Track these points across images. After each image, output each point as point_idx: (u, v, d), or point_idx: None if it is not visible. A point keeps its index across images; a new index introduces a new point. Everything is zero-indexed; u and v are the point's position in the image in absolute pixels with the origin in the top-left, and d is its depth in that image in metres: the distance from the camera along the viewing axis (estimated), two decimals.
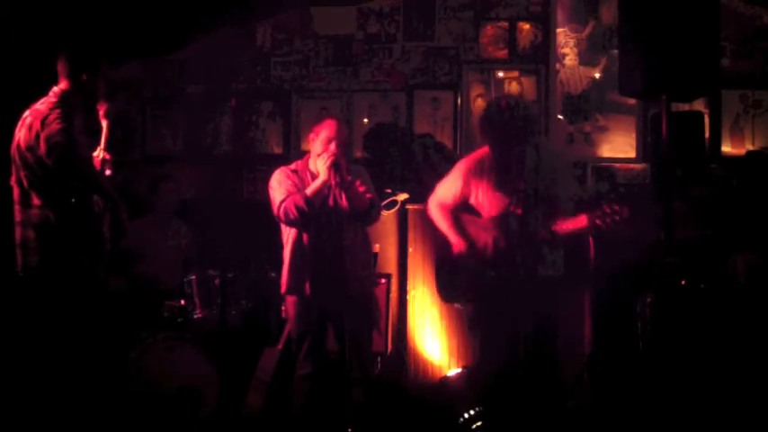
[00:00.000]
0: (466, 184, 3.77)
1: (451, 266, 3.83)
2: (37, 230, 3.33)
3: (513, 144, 3.55)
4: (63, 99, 3.37)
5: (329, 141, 3.76)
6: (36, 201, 3.33)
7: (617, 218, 3.23)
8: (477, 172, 3.74)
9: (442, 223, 3.86)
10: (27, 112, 3.39)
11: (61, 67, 3.43)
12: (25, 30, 4.28)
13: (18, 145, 3.35)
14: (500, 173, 3.64)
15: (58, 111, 3.30)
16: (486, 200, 3.70)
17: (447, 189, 3.87)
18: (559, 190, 3.57)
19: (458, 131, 5.39)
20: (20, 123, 3.39)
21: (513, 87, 5.35)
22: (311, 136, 3.89)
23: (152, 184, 5.02)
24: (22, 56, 4.24)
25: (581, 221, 3.37)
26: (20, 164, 3.35)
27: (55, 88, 3.42)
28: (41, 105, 3.36)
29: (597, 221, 3.27)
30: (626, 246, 4.34)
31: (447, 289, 3.91)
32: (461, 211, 3.83)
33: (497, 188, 3.65)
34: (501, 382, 3.52)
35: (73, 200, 3.32)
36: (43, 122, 3.27)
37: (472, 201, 3.77)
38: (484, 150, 3.80)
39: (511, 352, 3.42)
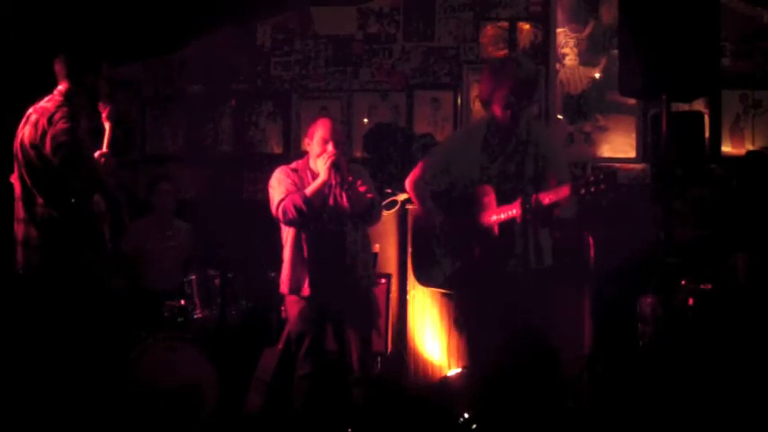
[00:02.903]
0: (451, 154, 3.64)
1: (425, 244, 3.64)
2: (40, 228, 3.32)
3: (518, 108, 3.36)
4: (69, 98, 3.37)
5: (325, 142, 3.75)
6: (39, 199, 3.32)
7: (602, 186, 3.14)
8: (461, 146, 3.61)
9: (414, 193, 3.70)
10: (31, 110, 3.38)
11: (59, 68, 3.43)
12: (25, 30, 4.28)
13: (22, 142, 3.34)
14: (491, 141, 3.50)
15: (64, 109, 3.30)
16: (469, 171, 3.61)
17: (420, 169, 3.74)
18: (549, 170, 3.44)
19: None
20: (23, 120, 3.38)
21: None
22: (306, 140, 3.89)
23: (149, 184, 5.03)
24: (23, 56, 4.24)
25: (564, 191, 3.23)
26: (22, 161, 3.34)
27: (60, 87, 3.42)
28: (47, 103, 3.35)
29: (581, 191, 3.19)
30: (626, 246, 4.35)
31: (424, 269, 3.69)
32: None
33: (485, 159, 3.52)
34: (500, 382, 3.51)
35: (73, 200, 3.31)
36: (50, 120, 3.26)
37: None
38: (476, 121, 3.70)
39: (502, 351, 3.38)
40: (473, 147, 3.54)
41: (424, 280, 3.76)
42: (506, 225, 3.36)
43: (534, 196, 3.21)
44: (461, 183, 3.56)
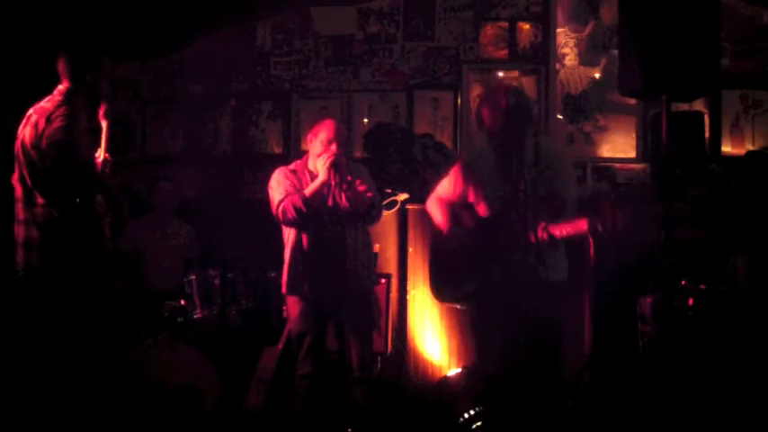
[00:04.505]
0: (464, 181, 3.71)
1: (447, 263, 3.70)
2: (41, 229, 3.32)
3: (515, 133, 3.44)
4: (68, 97, 3.36)
5: (329, 142, 3.76)
6: (40, 199, 3.32)
7: (618, 227, 3.15)
8: (475, 168, 3.69)
9: (437, 212, 3.74)
10: (31, 110, 3.38)
11: (62, 68, 3.42)
12: (25, 30, 4.28)
13: (23, 143, 3.34)
14: (499, 166, 3.56)
15: (63, 108, 3.29)
16: (482, 197, 3.65)
17: (445, 186, 3.82)
18: (560, 189, 3.50)
19: (458, 131, 5.39)
20: (24, 121, 3.38)
21: None
22: (309, 137, 3.88)
23: (148, 184, 5.03)
24: (23, 56, 4.24)
25: (581, 225, 3.30)
26: (23, 162, 3.33)
27: (60, 87, 3.41)
28: (47, 103, 3.35)
29: (599, 227, 3.19)
30: (626, 246, 4.34)
31: (441, 287, 3.76)
32: (461, 208, 3.77)
33: (495, 184, 3.59)
34: (501, 382, 3.51)
35: (77, 200, 3.31)
36: (48, 120, 3.26)
37: (472, 199, 3.72)
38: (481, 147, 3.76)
39: (509, 356, 3.39)
40: (485, 169, 3.57)
41: (445, 297, 3.80)
42: (521, 246, 3.38)
43: (547, 228, 3.28)
44: (478, 203, 3.59)
